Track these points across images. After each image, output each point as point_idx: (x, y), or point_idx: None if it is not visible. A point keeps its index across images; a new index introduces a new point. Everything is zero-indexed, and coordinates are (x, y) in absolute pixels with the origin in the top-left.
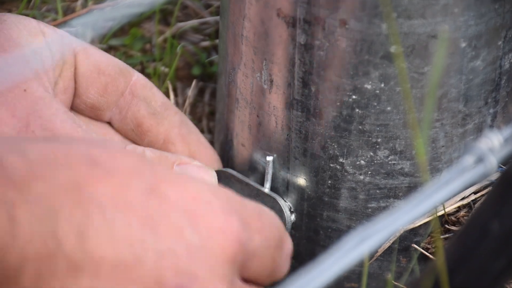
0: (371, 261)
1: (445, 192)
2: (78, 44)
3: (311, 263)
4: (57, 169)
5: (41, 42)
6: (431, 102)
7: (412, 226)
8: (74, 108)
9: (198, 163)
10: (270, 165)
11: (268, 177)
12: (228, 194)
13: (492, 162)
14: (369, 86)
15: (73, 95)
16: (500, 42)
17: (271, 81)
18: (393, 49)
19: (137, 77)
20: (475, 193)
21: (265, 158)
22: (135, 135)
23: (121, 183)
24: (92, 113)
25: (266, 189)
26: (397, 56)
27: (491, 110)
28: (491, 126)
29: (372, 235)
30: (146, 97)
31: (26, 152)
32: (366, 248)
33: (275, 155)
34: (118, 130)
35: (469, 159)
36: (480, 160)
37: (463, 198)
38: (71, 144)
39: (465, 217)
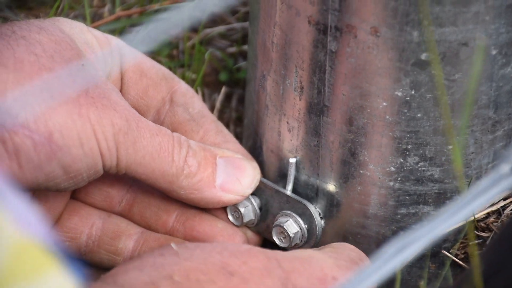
0: (402, 267)
1: (482, 200)
2: (124, 45)
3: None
4: (201, 286)
5: (92, 41)
6: (468, 109)
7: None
8: None
9: (240, 155)
10: (293, 167)
11: (291, 178)
12: (347, 259)
13: None
14: (399, 93)
15: None
16: None
17: (301, 88)
18: (424, 56)
19: (180, 86)
20: (504, 199)
21: None
22: None
23: (257, 286)
24: None
25: (288, 191)
26: (431, 63)
27: None
28: None
29: (411, 243)
30: (185, 103)
31: (173, 276)
32: (407, 256)
33: (298, 157)
34: None
35: (505, 167)
36: None
37: (492, 205)
38: (207, 258)
39: (494, 223)
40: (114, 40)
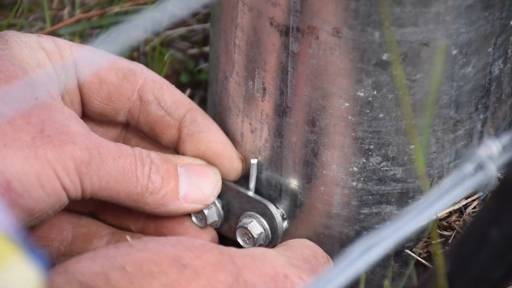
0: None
1: (447, 200)
2: (77, 53)
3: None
4: (153, 277)
5: (43, 58)
6: (430, 109)
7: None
8: (85, 115)
9: (201, 161)
10: (254, 167)
11: (252, 179)
12: (300, 257)
13: (492, 169)
14: (361, 94)
15: (81, 105)
16: (490, 49)
17: (264, 89)
18: (385, 56)
19: (145, 79)
20: (466, 198)
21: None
22: (152, 137)
23: (209, 280)
24: (104, 119)
25: (250, 191)
26: (392, 63)
27: (481, 116)
28: (481, 132)
29: (376, 243)
30: (155, 98)
31: (125, 266)
32: (372, 256)
33: (259, 158)
34: (136, 133)
35: (469, 167)
36: (479, 167)
37: (454, 203)
38: (160, 250)
39: (456, 222)
40: (67, 51)
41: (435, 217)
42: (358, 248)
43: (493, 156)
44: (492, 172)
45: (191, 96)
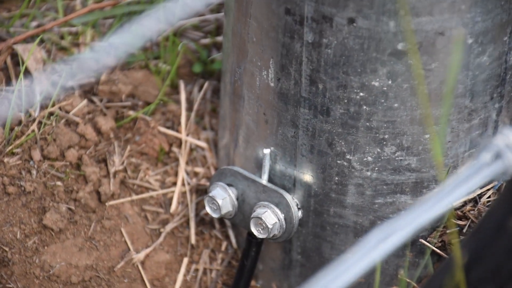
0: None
1: (464, 189)
2: None
3: (318, 259)
4: None
5: None
6: (448, 99)
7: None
8: None
9: None
10: (267, 157)
11: (265, 169)
12: None
13: (510, 158)
14: (376, 83)
15: None
16: (505, 38)
17: (278, 79)
18: (400, 46)
19: None
20: (480, 187)
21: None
22: None
23: None
24: None
25: (264, 180)
26: (408, 53)
27: (497, 105)
28: (496, 121)
29: (392, 233)
30: None
31: None
32: (388, 247)
33: (272, 148)
34: None
35: (486, 156)
36: (497, 156)
37: (469, 193)
38: None
39: (471, 212)
40: None
41: (451, 206)
42: (374, 238)
43: (511, 145)
44: (510, 161)
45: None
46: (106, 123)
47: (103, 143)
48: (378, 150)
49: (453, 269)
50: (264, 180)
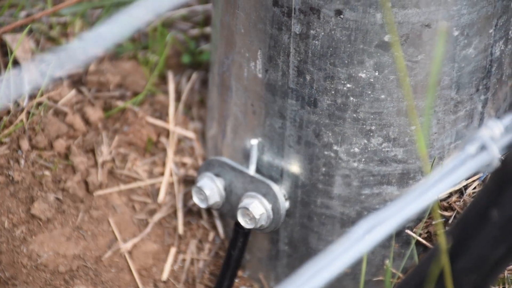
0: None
1: (449, 181)
2: None
3: (305, 249)
4: None
5: None
6: (432, 90)
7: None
8: None
9: None
10: (255, 148)
11: (253, 160)
12: None
13: (494, 150)
14: (363, 75)
15: None
16: (491, 30)
17: (266, 70)
18: (387, 38)
19: None
20: (466, 178)
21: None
22: None
23: None
24: None
25: (251, 171)
26: (392, 45)
27: (482, 97)
28: (482, 113)
29: (379, 224)
30: None
31: None
32: (376, 236)
33: (260, 139)
34: None
35: (471, 148)
36: (482, 148)
37: (454, 184)
38: None
39: (457, 203)
40: None
41: (436, 197)
42: (361, 229)
43: (495, 137)
44: (495, 153)
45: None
46: (94, 113)
47: (91, 133)
48: (365, 141)
49: (438, 258)
50: (251, 170)
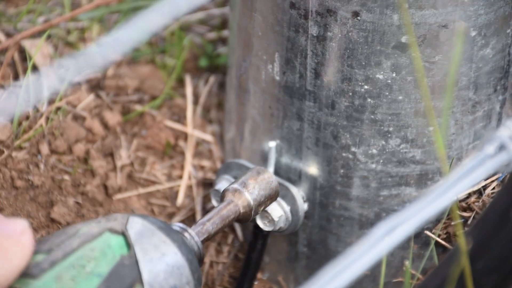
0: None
1: (468, 181)
2: None
3: (324, 251)
4: None
5: None
6: (450, 91)
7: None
8: None
9: None
10: (273, 150)
11: (271, 162)
12: None
13: None
14: (381, 76)
15: None
16: (509, 30)
17: (283, 73)
18: (404, 39)
19: None
20: (485, 179)
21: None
22: None
23: None
24: None
25: None
26: (410, 46)
27: (500, 97)
28: (500, 113)
29: (398, 226)
30: None
31: None
32: (396, 238)
33: (278, 141)
34: None
35: (489, 148)
36: (501, 148)
37: (473, 185)
38: None
39: (475, 203)
40: None
41: (455, 198)
42: (380, 230)
43: None
44: None
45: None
46: (113, 118)
47: (110, 137)
48: (383, 142)
49: (458, 259)
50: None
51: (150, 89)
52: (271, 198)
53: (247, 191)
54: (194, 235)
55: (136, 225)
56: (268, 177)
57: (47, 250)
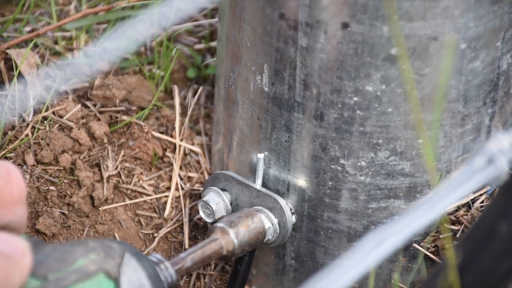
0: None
1: (457, 194)
2: None
3: (312, 264)
4: None
5: None
6: (439, 104)
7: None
8: None
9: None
10: (261, 162)
11: (259, 174)
12: None
13: (503, 163)
14: (370, 88)
15: None
16: (498, 43)
17: (272, 84)
18: (394, 51)
19: None
20: (473, 192)
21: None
22: None
23: None
24: None
25: (258, 185)
26: (399, 58)
27: (489, 110)
28: (489, 126)
29: (386, 239)
30: None
31: None
32: (384, 251)
33: (266, 153)
34: None
35: (479, 161)
36: (490, 161)
37: (462, 198)
38: None
39: (464, 216)
40: None
41: (444, 211)
42: (368, 243)
43: (504, 150)
44: (503, 166)
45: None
46: (100, 128)
47: (97, 148)
48: (372, 155)
49: (447, 272)
50: (258, 185)
51: (138, 99)
52: (256, 243)
53: (233, 233)
54: None
55: (129, 271)
56: (259, 224)
57: (42, 277)
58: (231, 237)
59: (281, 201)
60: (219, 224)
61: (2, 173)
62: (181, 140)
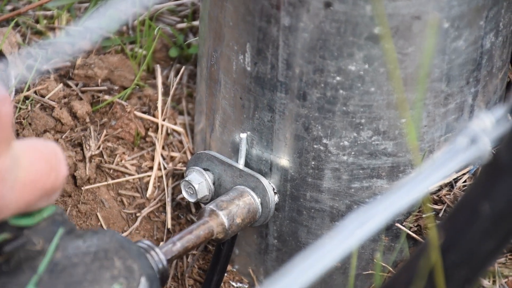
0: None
1: (440, 174)
2: None
3: (295, 243)
4: None
5: None
6: (422, 83)
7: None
8: None
9: None
10: (244, 141)
11: (242, 154)
12: None
13: (486, 143)
14: (353, 68)
15: None
16: (482, 22)
17: (255, 63)
18: (377, 30)
19: None
20: (456, 171)
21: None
22: None
23: None
24: None
25: (240, 165)
26: (382, 37)
27: (473, 90)
28: (472, 106)
29: (369, 219)
30: None
31: None
32: (366, 231)
33: (249, 133)
34: None
35: (462, 140)
36: (473, 141)
37: (445, 177)
38: None
39: (447, 196)
40: None
41: (427, 191)
42: (351, 223)
43: (487, 130)
44: (486, 145)
45: (180, 71)
46: (82, 108)
47: (79, 127)
48: (355, 134)
49: (429, 252)
50: (240, 164)
51: (120, 79)
52: (249, 222)
53: (223, 214)
54: None
55: None
56: (250, 201)
57: None
58: (223, 219)
59: (264, 180)
60: (209, 206)
61: (51, 159)
62: (164, 119)
